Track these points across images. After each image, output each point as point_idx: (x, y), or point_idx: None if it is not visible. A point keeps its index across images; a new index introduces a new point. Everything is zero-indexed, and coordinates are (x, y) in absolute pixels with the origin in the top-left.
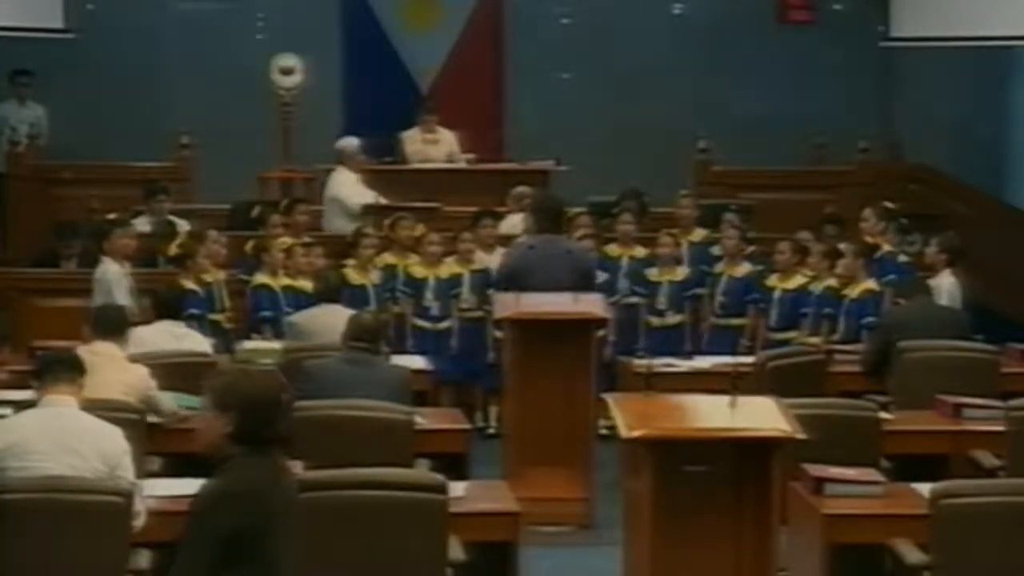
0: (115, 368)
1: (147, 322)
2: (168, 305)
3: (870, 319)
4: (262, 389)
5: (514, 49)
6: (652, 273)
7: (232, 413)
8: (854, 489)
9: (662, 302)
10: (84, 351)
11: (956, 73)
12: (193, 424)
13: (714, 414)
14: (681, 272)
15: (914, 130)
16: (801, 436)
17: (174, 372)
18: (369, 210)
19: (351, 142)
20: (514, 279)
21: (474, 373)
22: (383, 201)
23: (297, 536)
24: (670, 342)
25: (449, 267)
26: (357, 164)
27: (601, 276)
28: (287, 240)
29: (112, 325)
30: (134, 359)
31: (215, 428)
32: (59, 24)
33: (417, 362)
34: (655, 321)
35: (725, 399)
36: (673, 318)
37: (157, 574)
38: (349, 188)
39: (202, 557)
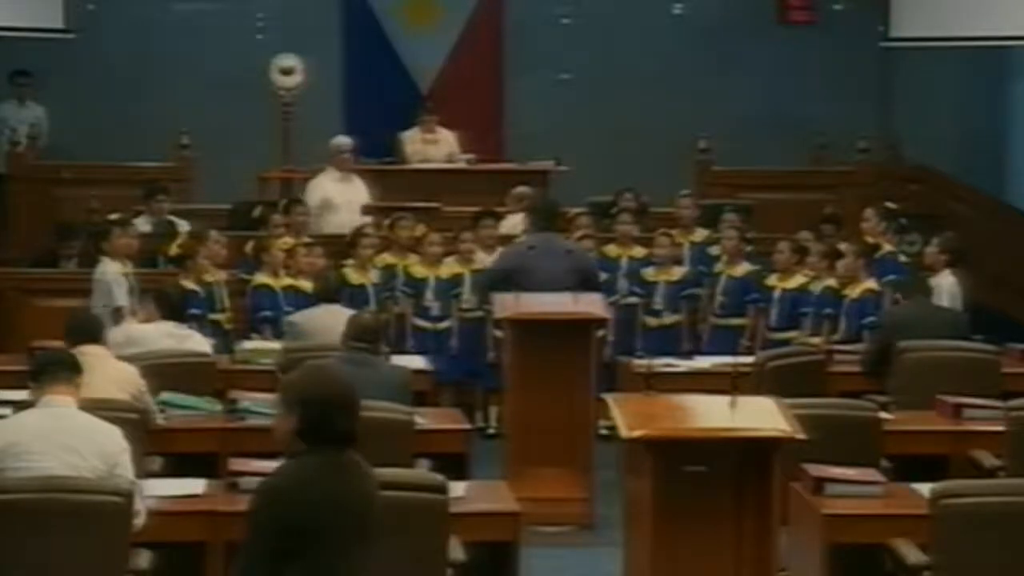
0: (106, 367)
1: (148, 321)
2: (173, 307)
3: (871, 319)
4: (324, 387)
5: (514, 49)
6: (648, 273)
7: (296, 411)
8: (854, 489)
9: (658, 302)
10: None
11: (956, 73)
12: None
13: (714, 414)
14: (677, 272)
15: (914, 130)
16: (801, 436)
17: (174, 372)
18: (368, 210)
19: (336, 141)
20: (511, 279)
21: (474, 373)
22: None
23: (373, 536)
24: (667, 342)
25: (449, 267)
26: (339, 163)
27: (600, 276)
28: (289, 240)
29: (85, 333)
30: (134, 359)
31: (284, 426)
32: (59, 24)
33: (417, 362)
34: (652, 321)
35: (725, 399)
36: (669, 318)
37: (157, 574)
38: (316, 188)
39: (256, 553)
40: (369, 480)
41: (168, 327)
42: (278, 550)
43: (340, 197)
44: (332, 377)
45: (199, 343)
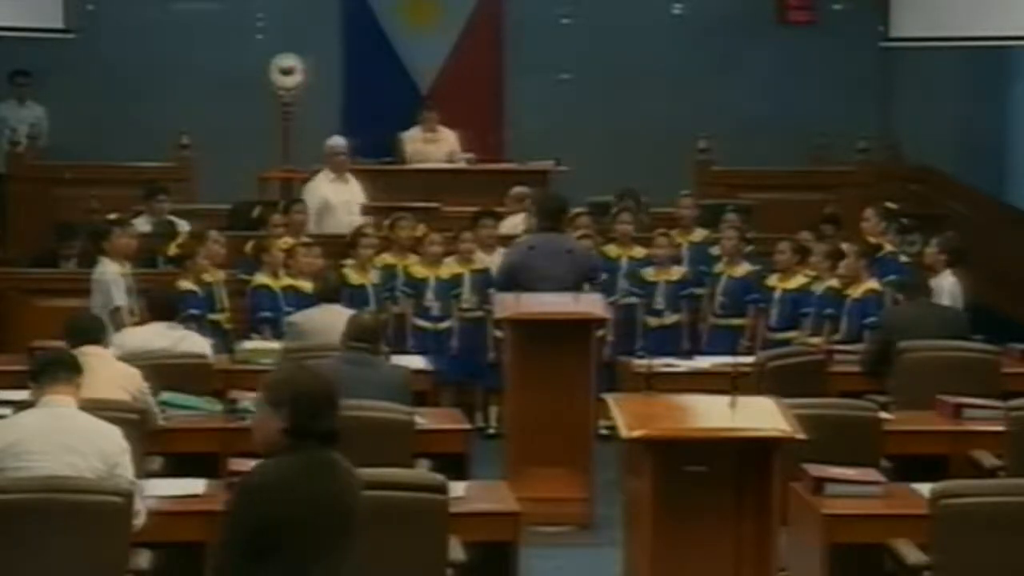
0: (107, 368)
1: (142, 323)
2: (161, 307)
3: (872, 319)
4: (313, 385)
5: (514, 49)
6: (648, 273)
7: (285, 409)
8: (854, 489)
9: (659, 302)
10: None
11: (956, 73)
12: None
13: (714, 414)
14: (677, 272)
15: (914, 130)
16: (801, 436)
17: (172, 373)
18: (368, 210)
19: (331, 142)
20: (514, 278)
21: (474, 373)
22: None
23: (355, 535)
24: (668, 342)
25: (449, 267)
26: (334, 164)
27: (602, 276)
28: (289, 240)
29: (86, 334)
30: (131, 359)
31: (269, 425)
32: (59, 24)
33: (417, 362)
34: (653, 321)
35: (725, 399)
36: (670, 318)
37: (157, 574)
38: (315, 190)
39: (232, 550)
40: (352, 478)
41: (160, 328)
42: (259, 548)
43: (336, 198)
44: (319, 375)
45: (196, 343)
